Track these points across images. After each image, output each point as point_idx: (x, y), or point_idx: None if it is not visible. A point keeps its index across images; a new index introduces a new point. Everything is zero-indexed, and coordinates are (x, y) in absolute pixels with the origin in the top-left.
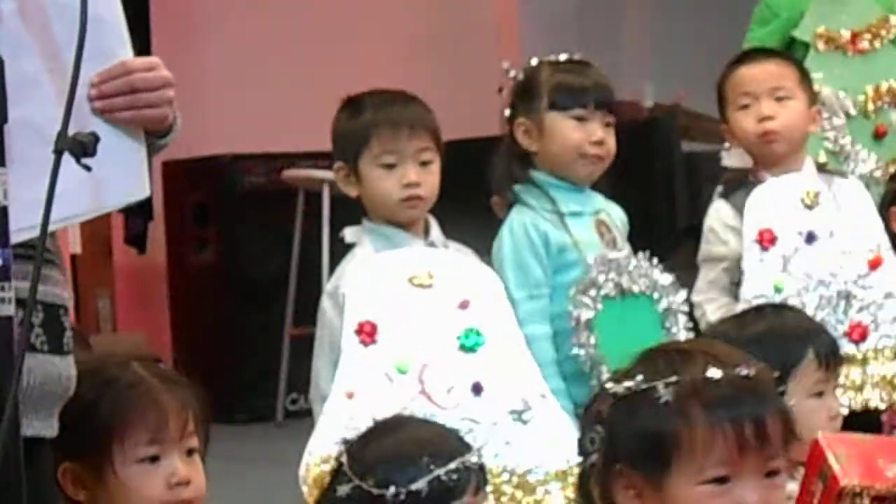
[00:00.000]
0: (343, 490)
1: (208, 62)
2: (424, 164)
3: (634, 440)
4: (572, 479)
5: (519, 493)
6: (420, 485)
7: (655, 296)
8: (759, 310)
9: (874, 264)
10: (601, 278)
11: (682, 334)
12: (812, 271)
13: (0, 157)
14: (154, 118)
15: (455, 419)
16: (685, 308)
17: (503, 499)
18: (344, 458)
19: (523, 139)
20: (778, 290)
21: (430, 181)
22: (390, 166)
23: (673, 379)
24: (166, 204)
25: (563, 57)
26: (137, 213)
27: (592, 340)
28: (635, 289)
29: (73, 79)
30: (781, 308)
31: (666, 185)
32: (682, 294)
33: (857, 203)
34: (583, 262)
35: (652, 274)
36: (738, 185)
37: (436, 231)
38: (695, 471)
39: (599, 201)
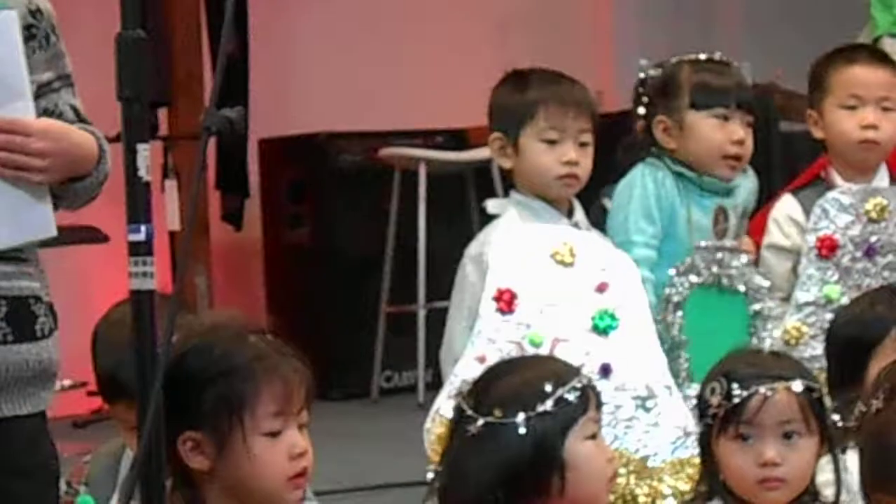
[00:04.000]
0: (473, 429)
1: (305, 40)
2: (583, 144)
3: None
4: (690, 471)
5: (633, 479)
6: (548, 405)
7: (750, 297)
8: (864, 295)
9: None
10: (702, 266)
11: (769, 341)
12: (868, 285)
13: None
14: (30, 181)
15: None
16: (777, 313)
17: (619, 481)
18: (467, 401)
19: (662, 137)
20: (829, 299)
21: (586, 162)
22: (552, 142)
23: None
24: (263, 181)
25: (703, 56)
26: (234, 191)
27: (678, 322)
28: (734, 286)
29: None
30: (881, 292)
31: (765, 165)
32: (776, 301)
33: None
34: (687, 238)
35: (752, 276)
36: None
37: (580, 213)
38: None
39: (736, 195)
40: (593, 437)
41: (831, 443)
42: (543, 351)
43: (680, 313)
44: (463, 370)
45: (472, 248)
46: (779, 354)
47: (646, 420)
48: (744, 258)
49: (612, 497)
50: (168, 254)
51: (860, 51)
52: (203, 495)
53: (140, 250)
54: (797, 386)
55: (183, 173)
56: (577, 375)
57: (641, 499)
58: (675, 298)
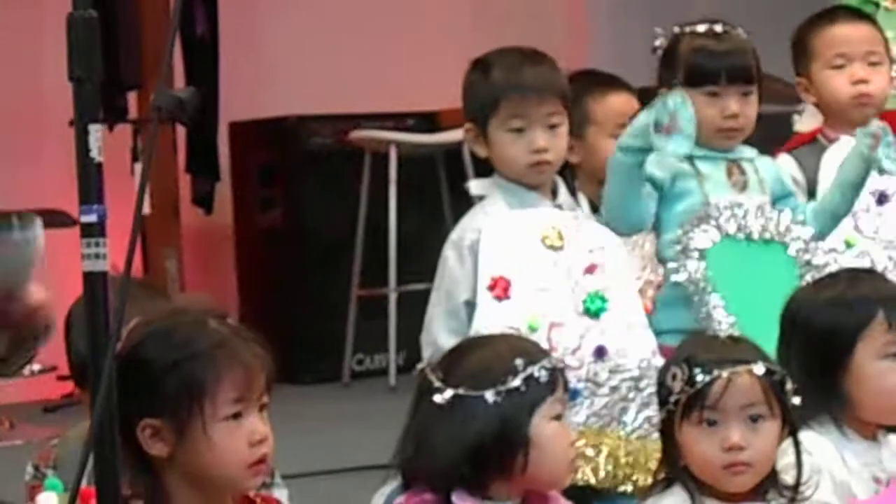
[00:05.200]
0: (441, 399)
1: (275, 23)
2: (553, 127)
3: None
4: None
5: (632, 460)
6: (517, 382)
7: (793, 246)
8: (833, 276)
9: None
10: (723, 217)
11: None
12: (881, 231)
13: None
14: None
15: (580, 380)
16: (825, 260)
17: (618, 462)
18: (436, 373)
19: None
20: (849, 245)
21: (558, 145)
22: (518, 130)
23: None
24: (233, 165)
25: (702, 27)
26: (205, 174)
27: (702, 266)
28: (767, 236)
29: None
30: (857, 272)
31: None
32: (824, 246)
33: None
34: (702, 193)
35: (790, 226)
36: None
37: (563, 193)
38: None
39: (745, 152)
40: (558, 418)
41: (793, 426)
42: (541, 335)
43: (703, 261)
44: None
45: (454, 234)
46: (737, 339)
47: (639, 401)
48: (777, 213)
49: (610, 478)
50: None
51: (838, 11)
52: (162, 483)
53: (93, 231)
54: (759, 369)
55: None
56: (548, 356)
57: (641, 481)
58: (696, 245)
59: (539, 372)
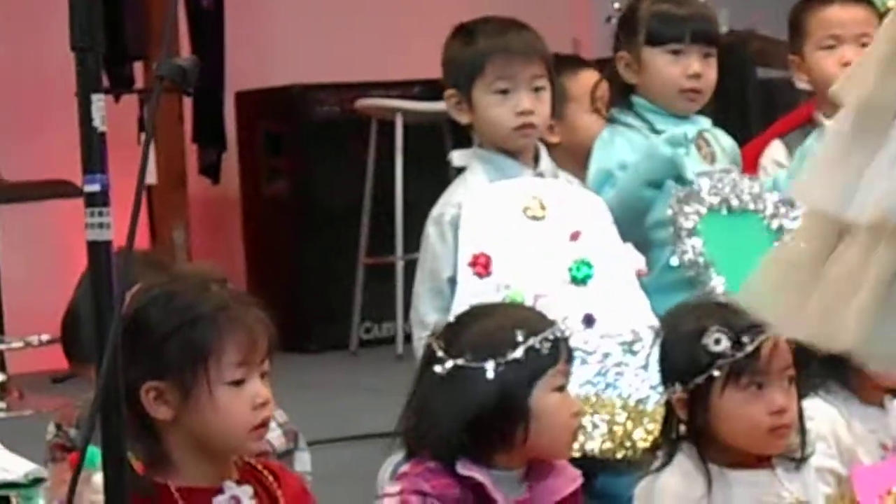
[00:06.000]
0: (442, 370)
1: None
2: (537, 90)
3: None
4: None
5: (630, 424)
6: (518, 354)
7: (766, 212)
8: None
9: None
10: (704, 191)
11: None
12: None
13: None
14: None
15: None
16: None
17: (615, 428)
18: (439, 342)
19: (625, 72)
20: None
21: (542, 109)
22: (504, 92)
23: None
24: (239, 134)
25: None
26: (211, 144)
27: (698, 245)
28: (743, 206)
29: None
30: None
31: (741, 113)
32: (796, 212)
33: None
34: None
35: (763, 194)
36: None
37: (545, 160)
38: None
39: (704, 124)
40: (561, 389)
41: (800, 390)
42: None
43: (698, 239)
44: None
45: (435, 209)
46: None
47: (635, 364)
48: (747, 180)
49: (610, 444)
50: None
51: None
52: (164, 446)
53: (96, 201)
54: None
55: (159, 127)
56: (552, 327)
57: (640, 443)
58: (687, 225)
59: (540, 344)
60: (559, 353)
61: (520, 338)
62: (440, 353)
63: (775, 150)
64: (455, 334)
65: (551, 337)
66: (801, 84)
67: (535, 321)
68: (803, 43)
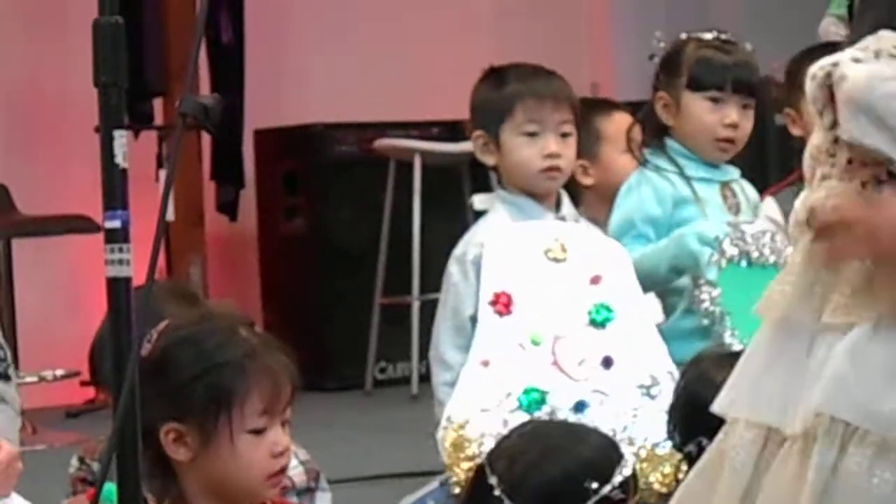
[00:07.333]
0: None
1: (300, 30)
2: (564, 136)
3: None
4: None
5: (646, 466)
6: None
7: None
8: None
9: None
10: (726, 241)
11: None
12: None
13: None
14: None
15: (587, 391)
16: None
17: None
18: (500, 486)
19: (662, 113)
20: None
21: (568, 154)
22: (532, 134)
23: None
24: (257, 172)
25: (709, 35)
26: (229, 182)
27: (716, 295)
28: (763, 259)
29: None
30: None
31: (759, 160)
32: None
33: None
34: (699, 216)
35: (784, 249)
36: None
37: (567, 205)
38: None
39: (733, 174)
40: None
41: None
42: (544, 348)
43: (716, 290)
44: (468, 375)
45: (458, 248)
46: None
47: (651, 407)
48: (769, 233)
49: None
50: (163, 245)
51: (833, 47)
52: (179, 486)
53: (117, 237)
54: None
55: (177, 164)
56: (619, 464)
57: (656, 486)
58: (706, 274)
59: (613, 492)
60: (629, 492)
61: (593, 487)
62: (504, 498)
63: (768, 207)
64: (518, 479)
65: (621, 479)
66: (795, 132)
67: (603, 463)
68: (801, 98)
